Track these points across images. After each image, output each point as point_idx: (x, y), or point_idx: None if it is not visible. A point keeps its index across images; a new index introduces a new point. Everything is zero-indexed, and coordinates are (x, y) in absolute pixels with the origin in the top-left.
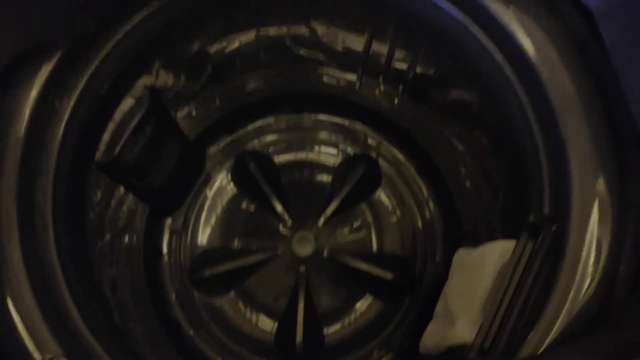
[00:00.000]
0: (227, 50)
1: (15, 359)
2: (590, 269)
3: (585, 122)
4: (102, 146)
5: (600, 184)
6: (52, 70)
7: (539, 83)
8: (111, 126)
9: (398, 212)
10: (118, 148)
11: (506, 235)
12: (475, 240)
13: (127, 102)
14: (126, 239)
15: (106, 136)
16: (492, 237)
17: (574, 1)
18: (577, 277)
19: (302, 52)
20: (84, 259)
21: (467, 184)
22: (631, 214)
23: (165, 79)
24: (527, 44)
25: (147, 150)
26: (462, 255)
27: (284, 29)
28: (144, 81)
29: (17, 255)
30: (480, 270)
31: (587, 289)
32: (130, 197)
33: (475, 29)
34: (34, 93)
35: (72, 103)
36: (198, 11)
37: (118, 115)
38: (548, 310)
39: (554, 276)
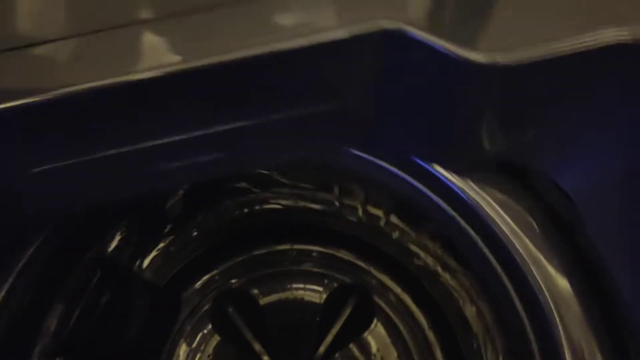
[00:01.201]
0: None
1: None
2: None
3: (583, 320)
4: (47, 336)
5: None
6: None
7: (526, 281)
8: (53, 319)
9: (396, 348)
10: (66, 333)
11: None
12: None
13: (71, 284)
14: None
15: (52, 321)
16: None
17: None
18: None
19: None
20: None
21: (467, 312)
22: None
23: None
24: (511, 238)
25: (107, 319)
26: None
27: None
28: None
29: None
30: None
31: None
32: None
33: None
34: None
35: None
36: None
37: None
38: None
39: None
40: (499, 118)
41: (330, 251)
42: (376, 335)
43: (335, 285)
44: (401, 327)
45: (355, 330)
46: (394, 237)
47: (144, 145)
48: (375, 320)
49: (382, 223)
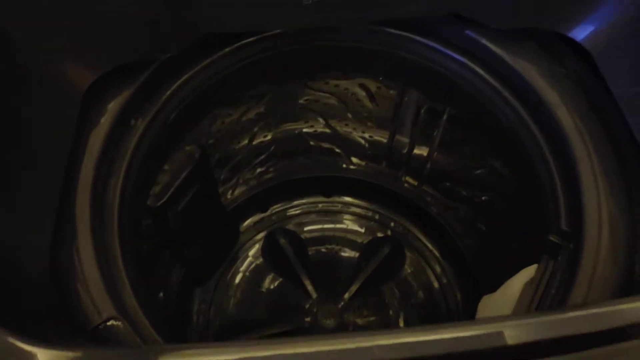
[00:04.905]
0: (269, 137)
1: (79, 319)
2: (606, 276)
3: (592, 146)
4: (154, 191)
5: (610, 200)
6: (132, 93)
7: (551, 120)
8: (164, 177)
9: (422, 294)
10: (167, 196)
11: None
12: None
13: (181, 155)
14: (161, 294)
15: (160, 180)
16: None
17: (574, 49)
18: (594, 286)
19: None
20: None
21: (490, 262)
22: None
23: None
24: (541, 90)
25: (190, 208)
26: (486, 299)
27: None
28: (196, 136)
29: (88, 239)
30: (504, 297)
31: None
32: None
33: (492, 81)
34: (114, 110)
35: (145, 123)
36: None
37: (171, 165)
38: None
39: (571, 288)
40: None
41: (372, 207)
42: (408, 281)
43: (374, 236)
44: (430, 278)
45: (388, 273)
46: (428, 200)
47: None
48: (406, 269)
49: (418, 187)
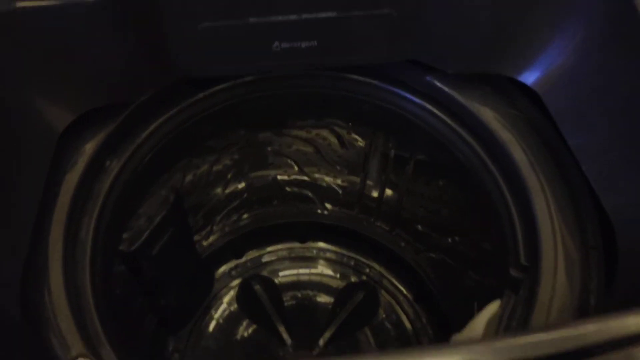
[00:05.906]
0: (243, 184)
1: (49, 355)
2: (563, 306)
3: (545, 181)
4: (128, 235)
5: (565, 231)
6: (108, 134)
7: (506, 158)
8: (138, 221)
9: (397, 338)
10: (141, 240)
11: None
12: None
13: (155, 199)
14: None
15: (134, 224)
16: None
17: (523, 91)
18: (552, 316)
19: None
20: (109, 296)
21: (460, 300)
22: (592, 255)
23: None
24: (496, 130)
25: (164, 254)
26: (454, 338)
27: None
28: (171, 180)
29: (59, 275)
30: (471, 334)
31: None
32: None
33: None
34: (90, 150)
35: (120, 165)
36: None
37: (146, 208)
38: None
39: (529, 320)
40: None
41: (346, 252)
42: (383, 326)
43: (349, 281)
44: (404, 322)
45: (363, 318)
46: (402, 245)
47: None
48: (381, 313)
49: (391, 232)
